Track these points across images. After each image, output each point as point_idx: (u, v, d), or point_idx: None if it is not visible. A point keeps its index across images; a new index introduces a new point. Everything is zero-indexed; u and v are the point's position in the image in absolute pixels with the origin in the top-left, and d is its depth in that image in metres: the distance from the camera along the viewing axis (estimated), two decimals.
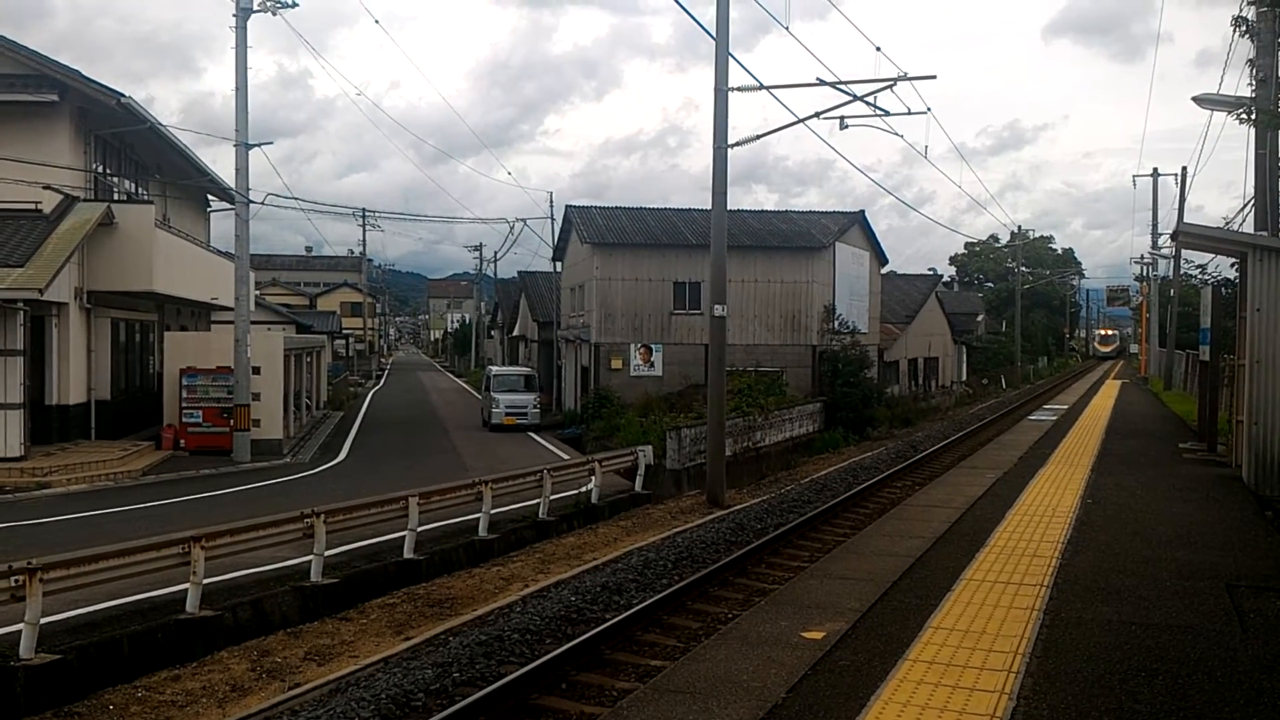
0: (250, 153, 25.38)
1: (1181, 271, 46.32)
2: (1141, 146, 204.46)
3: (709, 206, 20.16)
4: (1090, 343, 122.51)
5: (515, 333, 64.25)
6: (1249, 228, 19.34)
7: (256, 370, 25.93)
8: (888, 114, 19.98)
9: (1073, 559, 9.63)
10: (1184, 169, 42.39)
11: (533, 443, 31.19)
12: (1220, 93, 20.09)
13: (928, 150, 59.07)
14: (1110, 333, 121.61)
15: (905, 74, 19.35)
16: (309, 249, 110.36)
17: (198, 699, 9.34)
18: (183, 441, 25.71)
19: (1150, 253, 54.03)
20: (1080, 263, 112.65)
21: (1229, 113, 18.84)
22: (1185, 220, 35.55)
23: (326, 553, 12.89)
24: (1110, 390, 43.05)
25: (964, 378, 67.16)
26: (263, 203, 32.54)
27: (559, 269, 47.75)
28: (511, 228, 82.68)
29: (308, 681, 9.44)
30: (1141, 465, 17.06)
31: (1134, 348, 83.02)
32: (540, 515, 17.55)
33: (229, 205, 29.81)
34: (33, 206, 23.21)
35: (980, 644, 6.95)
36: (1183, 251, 40.90)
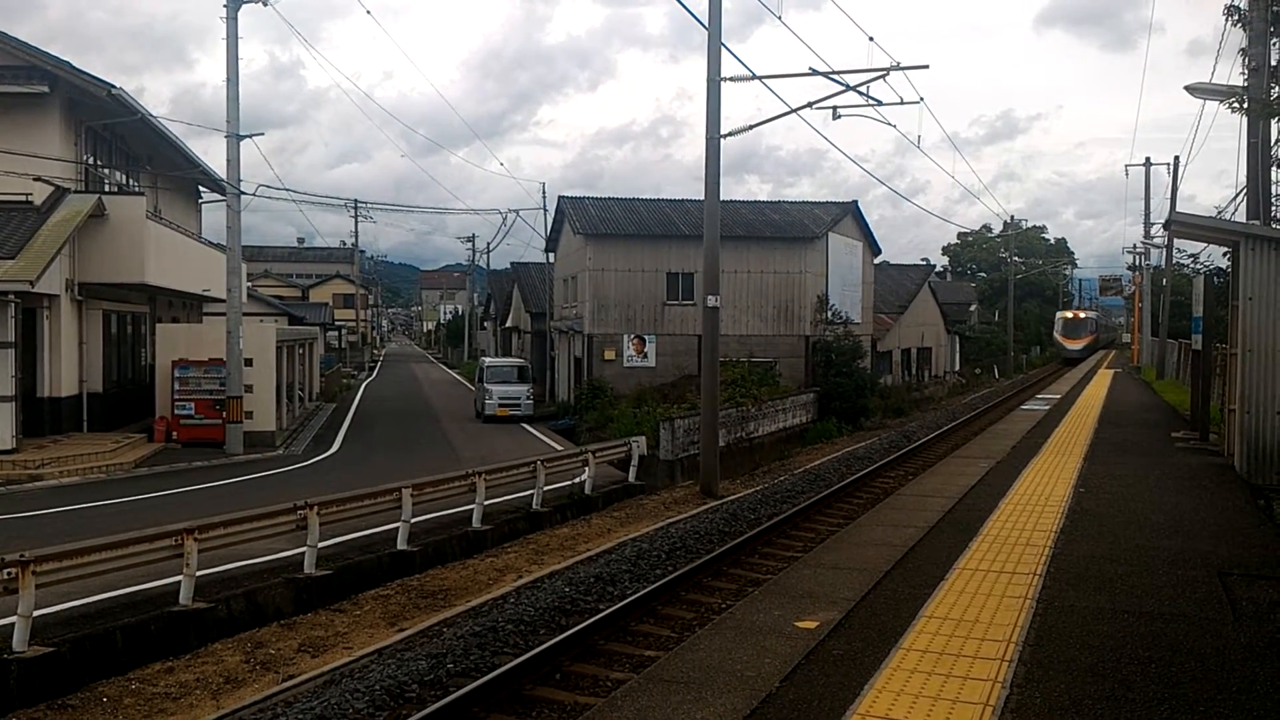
0: (241, 144, 25.26)
1: (1174, 261, 46.39)
2: (1134, 136, 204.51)
3: (702, 197, 20.14)
4: (1053, 333, 78.70)
5: (508, 324, 64.20)
6: (1241, 216, 19.37)
7: (249, 362, 25.86)
8: (881, 104, 19.99)
9: (1065, 548, 9.65)
10: (1176, 158, 42.55)
11: (526, 434, 31.17)
12: (1213, 82, 20.10)
13: (920, 140, 58.78)
14: (1082, 315, 77.76)
15: (898, 64, 19.35)
16: (301, 240, 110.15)
17: (191, 691, 9.33)
18: (175, 434, 25.66)
19: (1143, 242, 54.10)
20: (1073, 252, 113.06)
21: (1221, 102, 18.87)
22: (1178, 209, 35.65)
23: (320, 544, 12.88)
24: (1103, 380, 43.14)
25: (957, 368, 67.29)
26: (254, 194, 32.49)
27: (552, 260, 47.69)
28: (504, 219, 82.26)
29: (302, 673, 9.43)
30: (1134, 454, 17.10)
31: (1126, 337, 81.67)
32: (534, 506, 17.55)
33: (220, 196, 29.76)
34: (23, 198, 23.12)
35: (974, 632, 6.97)
36: (1175, 241, 40.93)
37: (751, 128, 21.27)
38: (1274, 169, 18.33)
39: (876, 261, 49.18)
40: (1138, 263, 59.63)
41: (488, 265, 79.17)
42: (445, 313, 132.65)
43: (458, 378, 63.10)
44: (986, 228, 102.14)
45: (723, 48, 19.36)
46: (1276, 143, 18.28)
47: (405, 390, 52.58)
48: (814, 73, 19.94)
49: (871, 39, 19.90)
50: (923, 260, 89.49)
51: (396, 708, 8.01)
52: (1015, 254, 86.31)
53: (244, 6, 24.72)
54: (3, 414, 20.89)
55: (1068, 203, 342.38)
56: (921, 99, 20.40)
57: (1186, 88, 19.88)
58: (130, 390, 27.72)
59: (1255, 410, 13.52)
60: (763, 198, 63.72)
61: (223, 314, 26.87)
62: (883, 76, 19.48)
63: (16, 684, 9.14)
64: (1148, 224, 51.40)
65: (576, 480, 19.36)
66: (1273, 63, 17.68)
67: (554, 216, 45.44)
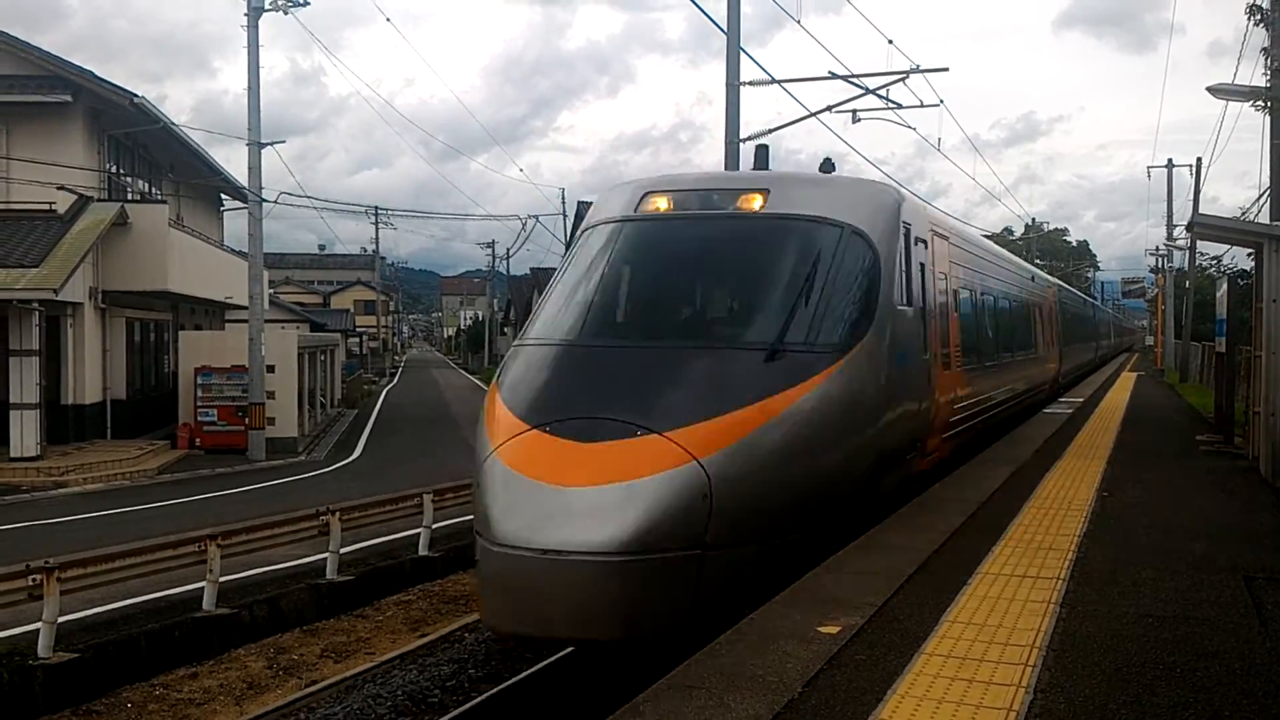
0: (263, 151, 25.47)
1: (1197, 263, 46.05)
2: (1155, 138, 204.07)
3: None
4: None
5: None
6: (1265, 218, 19.21)
7: (271, 369, 26.01)
8: (900, 107, 19.97)
9: (1089, 552, 9.57)
10: (1199, 159, 41.92)
11: None
12: (1235, 83, 19.94)
13: (941, 143, 58.72)
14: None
15: (917, 66, 19.32)
16: (322, 247, 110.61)
17: (215, 696, 9.38)
18: (198, 440, 25.82)
19: (1165, 244, 53.66)
20: (1095, 255, 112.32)
21: (1244, 102, 18.73)
22: (1200, 211, 35.37)
23: (342, 550, 12.92)
24: (1126, 383, 42.84)
25: None
26: (275, 201, 32.58)
27: None
28: (524, 224, 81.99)
29: (324, 678, 9.47)
30: (1158, 458, 16.95)
31: (1149, 339, 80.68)
32: None
33: (242, 204, 29.94)
34: (47, 207, 23.34)
35: (997, 637, 6.92)
36: (1198, 242, 40.64)
37: (771, 131, 21.35)
38: None
39: None
40: (1160, 265, 59.23)
41: (508, 271, 79.44)
42: (466, 318, 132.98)
43: (478, 383, 63.23)
44: (1008, 230, 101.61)
45: (742, 52, 19.37)
46: None
47: (426, 396, 52.73)
48: (833, 76, 19.93)
49: (891, 42, 19.91)
50: None
51: (419, 713, 8.03)
52: (1037, 256, 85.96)
53: (265, 15, 24.91)
54: (27, 421, 21.08)
55: (1089, 205, 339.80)
56: (941, 101, 20.39)
57: (1208, 88, 19.71)
58: (154, 397, 27.93)
59: None
60: None
61: (245, 321, 27.05)
62: (902, 79, 19.46)
63: (42, 690, 9.21)
64: (1170, 226, 50.99)
65: None
66: None
67: (573, 222, 45.50)
